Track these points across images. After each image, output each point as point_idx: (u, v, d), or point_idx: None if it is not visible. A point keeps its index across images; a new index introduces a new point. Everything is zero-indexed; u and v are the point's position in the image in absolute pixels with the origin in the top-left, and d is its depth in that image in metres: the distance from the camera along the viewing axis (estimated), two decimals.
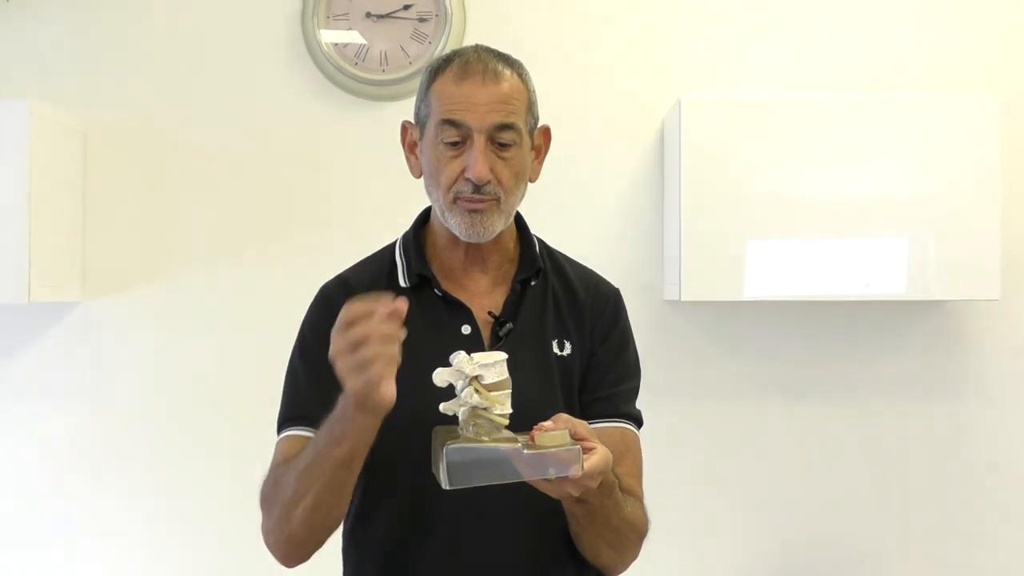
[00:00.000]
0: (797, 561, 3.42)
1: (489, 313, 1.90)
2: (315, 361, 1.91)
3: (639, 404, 2.01)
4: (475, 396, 1.57)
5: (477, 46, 1.93)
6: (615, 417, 1.93)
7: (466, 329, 1.88)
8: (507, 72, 1.87)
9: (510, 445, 1.58)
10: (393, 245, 2.01)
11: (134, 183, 3.44)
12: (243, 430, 3.33)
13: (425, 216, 2.02)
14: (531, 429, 1.63)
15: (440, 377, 1.59)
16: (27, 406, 3.44)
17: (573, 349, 1.93)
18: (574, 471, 1.59)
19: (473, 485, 1.60)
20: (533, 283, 1.96)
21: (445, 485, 1.57)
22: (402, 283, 1.94)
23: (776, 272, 3.14)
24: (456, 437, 1.62)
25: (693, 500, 3.39)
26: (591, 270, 2.07)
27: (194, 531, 3.42)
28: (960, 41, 3.42)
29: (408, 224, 2.02)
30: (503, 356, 1.59)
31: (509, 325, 1.89)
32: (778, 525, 3.43)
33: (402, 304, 1.57)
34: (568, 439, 1.60)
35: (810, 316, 3.40)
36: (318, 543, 1.84)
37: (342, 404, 1.65)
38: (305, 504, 1.75)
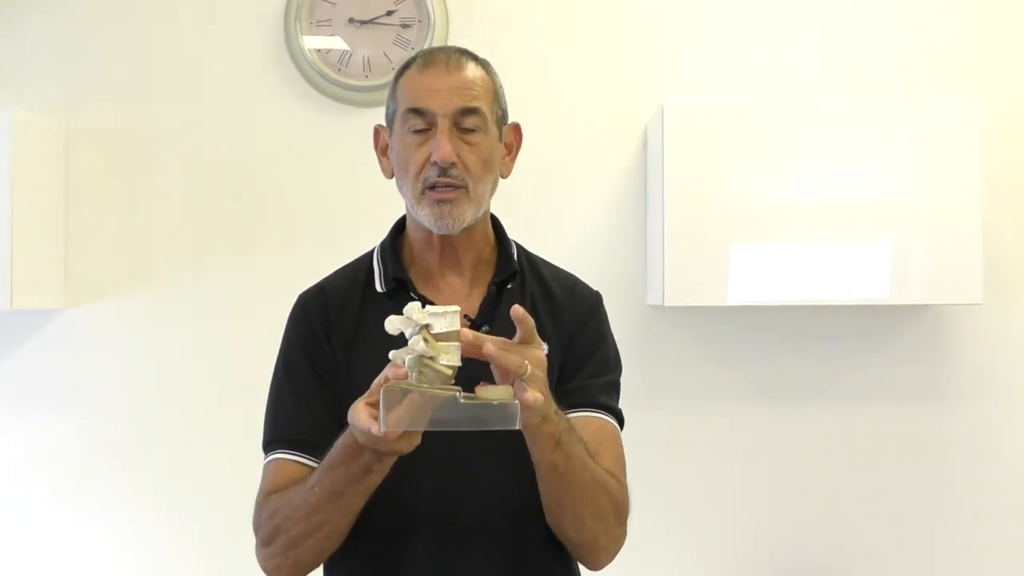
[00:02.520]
0: (782, 565, 3.42)
1: (465, 316, 1.89)
2: (297, 373, 1.92)
3: (621, 405, 1.99)
4: (421, 344, 1.54)
5: (443, 45, 1.95)
6: (590, 407, 1.90)
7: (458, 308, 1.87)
8: (471, 63, 1.90)
9: (448, 394, 1.56)
10: (370, 253, 2.01)
11: (116, 188, 3.44)
12: (230, 435, 3.34)
13: (401, 224, 2.02)
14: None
15: (392, 325, 1.58)
16: (10, 413, 3.43)
17: (550, 350, 1.92)
18: (513, 424, 1.58)
19: (409, 430, 1.58)
20: (509, 286, 1.95)
21: (383, 428, 1.55)
22: (379, 288, 1.94)
23: (759, 277, 3.15)
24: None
25: (676, 505, 3.39)
26: (571, 274, 2.07)
27: (180, 537, 3.41)
28: (941, 46, 3.43)
29: (388, 229, 2.03)
30: (456, 308, 1.58)
31: (486, 328, 1.87)
32: (762, 529, 3.43)
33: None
34: (511, 394, 1.58)
35: (793, 321, 3.41)
36: (323, 561, 1.86)
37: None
38: (320, 535, 1.77)
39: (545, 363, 1.63)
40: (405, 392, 1.55)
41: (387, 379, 1.57)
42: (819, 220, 3.13)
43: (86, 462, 3.42)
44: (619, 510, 1.85)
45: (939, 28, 3.43)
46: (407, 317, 1.56)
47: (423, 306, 1.57)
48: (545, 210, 3.37)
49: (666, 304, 3.13)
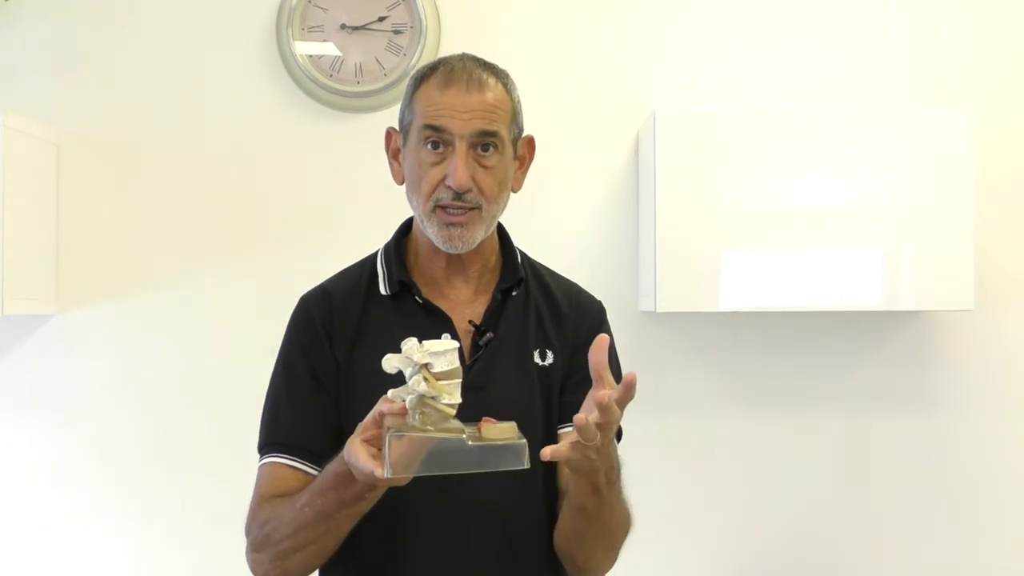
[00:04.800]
0: (773, 569, 3.42)
1: (470, 322, 1.89)
2: (296, 375, 1.91)
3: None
4: (423, 384, 1.52)
5: (463, 54, 1.92)
6: None
7: (446, 338, 1.87)
8: (491, 81, 1.87)
9: (454, 436, 1.54)
10: (374, 255, 2.00)
11: (108, 195, 3.43)
12: (221, 442, 3.34)
13: (407, 226, 2.01)
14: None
15: (390, 363, 1.55)
16: (1, 418, 3.42)
17: (555, 359, 1.92)
18: (520, 464, 1.57)
19: (415, 475, 1.56)
20: (514, 293, 1.95)
21: (387, 473, 1.52)
22: (383, 291, 1.93)
23: (751, 283, 3.15)
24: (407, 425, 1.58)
25: (668, 511, 3.39)
26: (574, 283, 2.07)
27: (170, 545, 3.41)
28: (934, 53, 3.43)
29: (386, 234, 2.02)
30: (454, 345, 1.55)
31: (489, 334, 1.88)
32: (753, 534, 3.43)
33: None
34: (516, 432, 1.57)
35: (785, 327, 3.41)
36: (312, 572, 1.86)
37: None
38: (308, 551, 1.77)
39: (619, 418, 1.59)
40: (408, 437, 1.53)
41: (381, 414, 1.56)
42: (811, 226, 3.13)
43: (78, 468, 3.41)
44: (627, 537, 1.89)
45: (932, 35, 3.44)
46: (406, 356, 1.54)
47: (420, 342, 1.55)
48: (537, 216, 3.35)
49: (658, 310, 3.13)
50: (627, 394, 1.55)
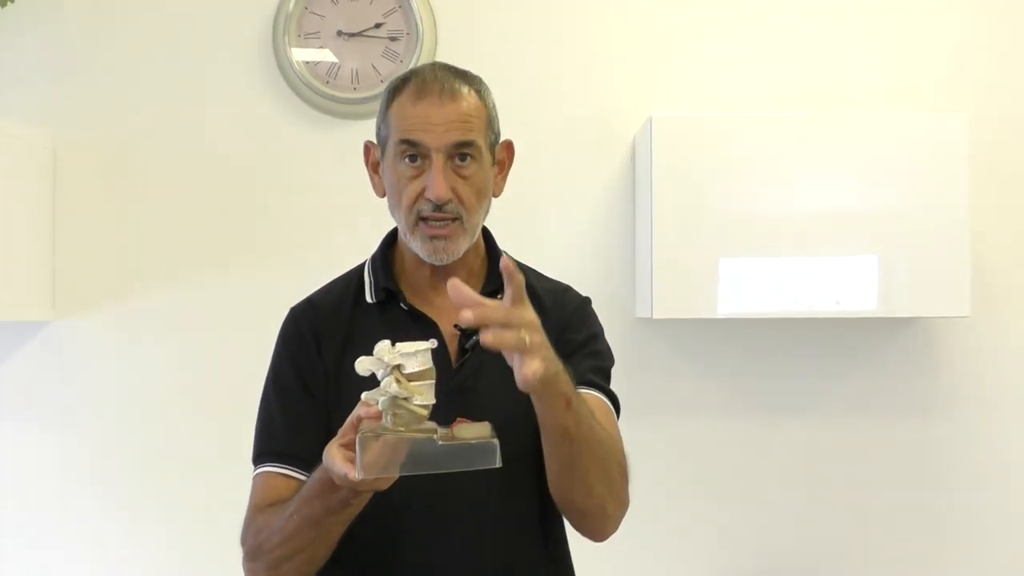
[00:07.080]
0: (770, 575, 3.43)
1: (455, 326, 1.88)
2: (287, 386, 1.93)
3: None
4: (394, 386, 1.53)
5: (435, 64, 1.93)
6: (581, 384, 1.88)
7: (432, 343, 1.87)
8: (464, 90, 1.87)
9: (425, 436, 1.55)
10: (361, 265, 2.02)
11: (104, 200, 3.43)
12: (219, 447, 3.33)
13: (392, 236, 2.02)
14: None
15: (362, 366, 1.56)
16: None
17: None
18: (493, 462, 1.57)
19: (388, 475, 1.57)
20: (499, 296, 1.95)
21: (359, 475, 1.53)
22: (369, 299, 1.95)
23: (748, 290, 3.15)
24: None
25: (663, 516, 3.38)
26: (560, 282, 2.07)
27: (168, 550, 3.40)
28: (928, 59, 3.44)
29: (379, 242, 2.03)
30: (426, 345, 1.56)
31: (475, 338, 1.88)
32: (751, 541, 3.43)
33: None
34: (489, 431, 1.57)
35: (781, 333, 3.41)
36: None
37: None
38: (300, 558, 1.77)
39: (539, 323, 1.59)
40: (380, 436, 1.54)
41: (359, 419, 1.57)
42: (807, 233, 3.13)
43: (74, 474, 3.40)
44: (624, 473, 1.85)
45: (926, 42, 3.44)
46: (377, 358, 1.55)
47: (393, 344, 1.55)
48: (533, 222, 3.36)
49: (655, 316, 3.13)
50: (513, 286, 1.58)
